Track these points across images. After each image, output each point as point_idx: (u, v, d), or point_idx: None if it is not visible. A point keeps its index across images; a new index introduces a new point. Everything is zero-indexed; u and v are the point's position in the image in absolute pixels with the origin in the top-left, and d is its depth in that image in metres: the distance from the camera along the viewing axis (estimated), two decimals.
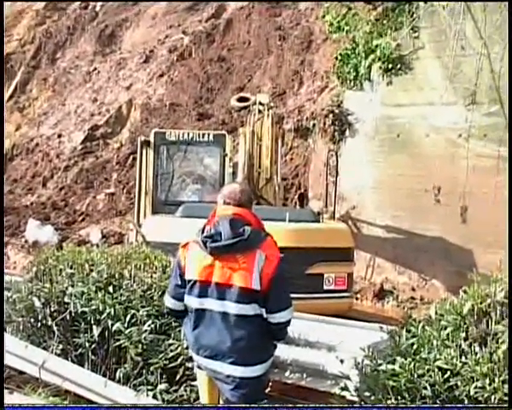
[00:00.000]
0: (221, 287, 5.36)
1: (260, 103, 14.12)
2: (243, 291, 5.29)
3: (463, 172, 14.25)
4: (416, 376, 5.46)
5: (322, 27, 20.31)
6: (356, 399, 6.06)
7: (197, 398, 6.47)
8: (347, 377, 6.28)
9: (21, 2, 28.95)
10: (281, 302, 5.45)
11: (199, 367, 5.75)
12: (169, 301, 5.82)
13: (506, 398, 5.10)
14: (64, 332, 7.52)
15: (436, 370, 5.40)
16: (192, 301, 5.54)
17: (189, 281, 5.54)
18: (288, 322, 5.57)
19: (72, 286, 7.56)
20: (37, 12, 28.02)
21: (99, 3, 28.09)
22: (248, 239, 5.34)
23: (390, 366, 5.62)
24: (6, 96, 25.54)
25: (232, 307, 5.33)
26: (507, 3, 12.94)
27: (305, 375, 6.94)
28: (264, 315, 5.38)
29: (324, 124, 17.16)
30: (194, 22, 25.41)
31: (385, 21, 16.22)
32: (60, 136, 23.07)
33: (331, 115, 16.99)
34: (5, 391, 7.10)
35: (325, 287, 11.03)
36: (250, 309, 5.33)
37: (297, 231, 11.00)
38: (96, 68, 25.39)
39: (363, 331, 7.07)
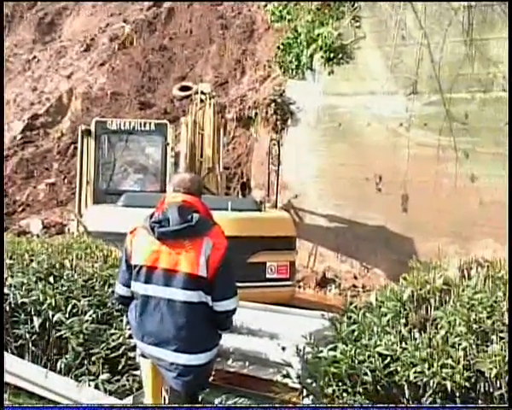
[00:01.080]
0: (167, 273, 5.37)
1: (202, 93, 14.12)
2: (189, 277, 5.30)
3: (404, 162, 14.42)
4: (356, 362, 5.54)
5: (264, 16, 20.33)
6: (298, 386, 6.12)
7: (139, 387, 6.48)
8: (289, 365, 6.33)
9: None
10: (226, 291, 5.47)
11: (142, 355, 5.75)
12: (118, 288, 5.81)
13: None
14: (4, 324, 7.44)
15: (376, 356, 5.49)
16: (138, 287, 5.55)
17: (135, 266, 5.54)
18: (234, 311, 5.59)
19: (12, 277, 7.50)
20: None
21: None
22: (196, 226, 5.36)
23: (331, 353, 5.70)
24: None
25: (178, 294, 5.34)
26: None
27: (247, 363, 6.96)
28: (210, 303, 5.39)
29: (266, 113, 17.19)
30: (136, 10, 25.25)
31: (326, 11, 16.25)
32: None
33: (273, 105, 17.02)
34: None
35: (267, 276, 11.08)
36: (195, 296, 5.33)
37: (239, 220, 10.99)
38: (35, 57, 25.07)
39: (304, 319, 7.14)
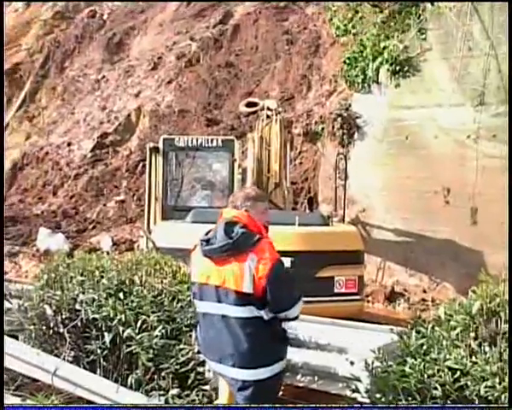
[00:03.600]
0: (218, 289, 5.42)
1: (268, 108, 14.14)
2: (237, 294, 5.32)
3: (473, 174, 14.22)
4: (426, 376, 5.46)
5: (330, 31, 20.32)
6: (367, 401, 6.08)
7: (209, 402, 6.52)
8: (358, 379, 6.30)
9: (29, 13, 29.08)
10: (282, 303, 5.47)
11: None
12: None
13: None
14: (76, 339, 7.54)
15: (446, 370, 5.41)
16: (196, 304, 5.68)
17: (193, 283, 5.68)
18: (296, 317, 5.63)
19: (83, 293, 7.57)
20: (46, 21, 28.14)
21: (106, 12, 28.18)
22: (237, 241, 5.36)
23: (400, 367, 5.64)
24: (15, 106, 25.65)
25: (230, 310, 5.38)
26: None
27: (316, 378, 6.93)
28: (265, 317, 5.39)
29: (333, 127, 17.16)
30: (202, 28, 25.48)
31: (392, 23, 16.20)
32: (69, 144, 23.15)
33: (340, 119, 16.97)
34: (18, 399, 7.15)
35: (336, 290, 11.00)
36: (247, 311, 5.34)
37: (307, 235, 10.99)
38: (104, 76, 25.46)
39: (373, 334, 7.10)
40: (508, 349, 5.15)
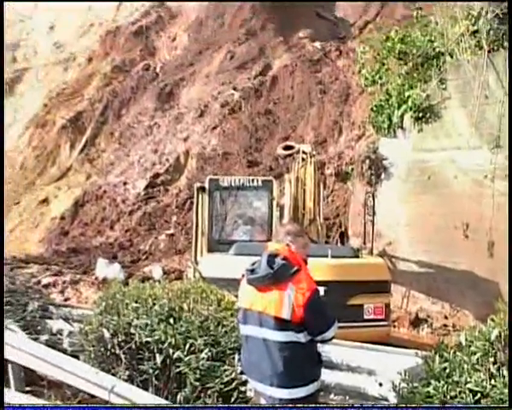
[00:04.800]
0: (260, 315, 5.45)
1: (303, 152, 14.16)
2: (276, 320, 5.35)
3: (490, 210, 14.05)
4: (448, 397, 5.41)
5: (359, 81, 20.34)
6: None
7: None
8: (386, 399, 6.25)
9: (91, 67, 29.48)
10: (321, 327, 5.49)
11: None
12: None
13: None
14: (130, 360, 7.56)
15: (467, 392, 5.34)
16: (241, 328, 5.71)
17: (239, 309, 5.74)
18: (331, 339, 5.64)
19: (137, 318, 7.61)
20: (105, 74, 28.47)
21: (159, 65, 28.48)
22: (276, 272, 5.40)
23: (425, 389, 5.58)
24: (78, 149, 25.94)
25: (269, 334, 5.39)
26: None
27: (347, 397, 6.89)
28: (302, 340, 5.38)
29: (362, 168, 17.09)
30: (244, 79, 25.63)
31: (415, 74, 16.16)
32: (125, 183, 23.34)
33: (368, 161, 16.91)
34: None
35: (365, 316, 10.95)
36: (284, 336, 5.35)
37: (339, 266, 10.98)
38: (156, 123, 25.68)
39: (399, 357, 7.04)
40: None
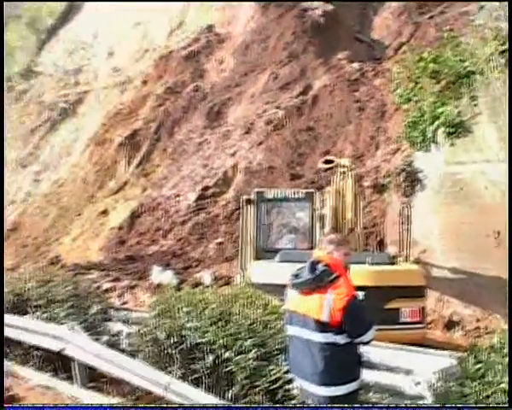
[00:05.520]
0: (303, 317, 5.54)
1: (343, 166, 14.16)
2: (316, 322, 5.44)
3: None
4: (482, 397, 5.40)
5: (394, 99, 20.27)
6: None
7: None
8: (423, 398, 6.25)
9: (146, 89, 29.80)
10: (359, 330, 5.54)
11: None
12: None
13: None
14: (183, 360, 7.69)
15: (500, 392, 5.33)
16: (287, 328, 5.81)
17: (286, 311, 5.84)
18: (370, 341, 5.68)
19: (190, 321, 7.74)
20: (159, 96, 28.73)
21: (208, 86, 28.66)
22: (317, 277, 5.49)
23: (460, 388, 5.58)
24: (134, 164, 26.24)
25: (311, 335, 5.48)
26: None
27: (385, 396, 6.92)
28: (341, 342, 5.44)
29: (397, 181, 17.02)
30: (287, 99, 25.67)
31: (447, 92, 16.04)
32: (177, 196, 23.50)
33: (403, 173, 16.84)
34: None
35: (401, 319, 10.95)
36: (323, 337, 5.43)
37: (377, 272, 11.03)
38: (206, 139, 25.81)
39: (435, 358, 7.04)
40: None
